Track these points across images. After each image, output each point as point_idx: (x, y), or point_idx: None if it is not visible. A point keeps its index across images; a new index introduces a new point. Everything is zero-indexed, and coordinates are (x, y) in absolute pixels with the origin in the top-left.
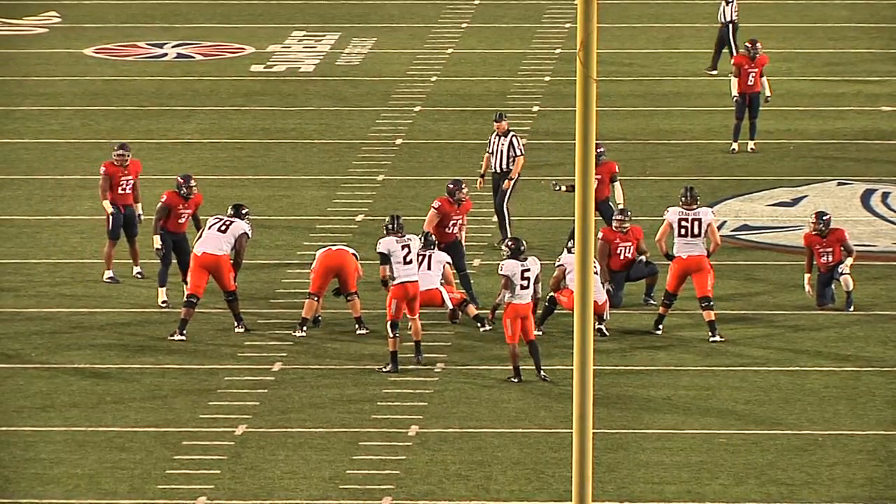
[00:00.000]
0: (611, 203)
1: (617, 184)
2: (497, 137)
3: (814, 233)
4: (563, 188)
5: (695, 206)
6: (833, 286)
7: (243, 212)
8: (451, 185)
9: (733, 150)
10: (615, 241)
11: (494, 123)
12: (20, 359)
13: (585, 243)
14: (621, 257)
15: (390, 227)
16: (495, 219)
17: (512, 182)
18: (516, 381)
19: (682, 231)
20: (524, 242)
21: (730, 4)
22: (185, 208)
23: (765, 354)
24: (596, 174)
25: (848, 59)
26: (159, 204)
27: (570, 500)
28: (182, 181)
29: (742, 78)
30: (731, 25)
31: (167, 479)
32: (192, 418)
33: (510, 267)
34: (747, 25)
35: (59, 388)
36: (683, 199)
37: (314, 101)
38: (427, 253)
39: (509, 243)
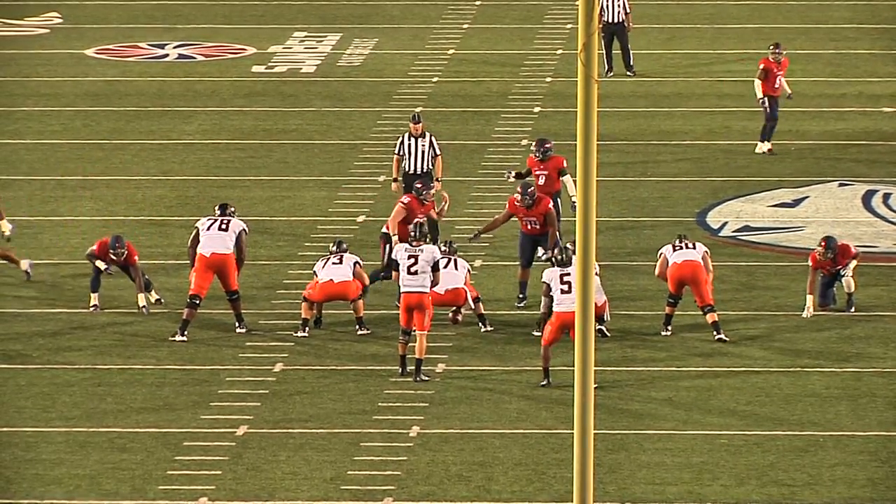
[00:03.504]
0: (559, 198)
1: (567, 177)
2: (413, 139)
3: (822, 259)
4: (512, 176)
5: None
6: (834, 287)
7: (231, 210)
8: (419, 185)
9: (769, 150)
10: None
11: (411, 125)
12: (21, 359)
13: (587, 243)
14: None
15: (412, 234)
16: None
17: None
18: (544, 383)
19: (677, 251)
20: (570, 250)
21: (619, 5)
22: (114, 262)
23: (766, 355)
24: (542, 170)
25: (849, 60)
26: (90, 248)
27: (572, 501)
28: (109, 242)
29: (770, 81)
30: (619, 25)
31: (168, 479)
32: (194, 419)
33: (549, 274)
34: (748, 26)
35: (61, 389)
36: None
37: (315, 101)
38: (453, 257)
39: (555, 251)
